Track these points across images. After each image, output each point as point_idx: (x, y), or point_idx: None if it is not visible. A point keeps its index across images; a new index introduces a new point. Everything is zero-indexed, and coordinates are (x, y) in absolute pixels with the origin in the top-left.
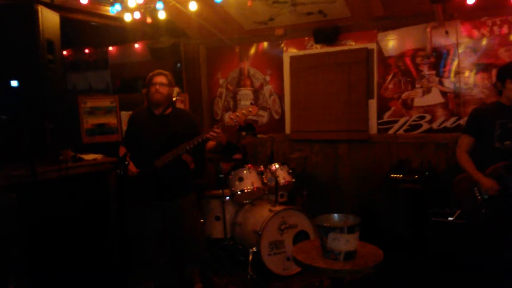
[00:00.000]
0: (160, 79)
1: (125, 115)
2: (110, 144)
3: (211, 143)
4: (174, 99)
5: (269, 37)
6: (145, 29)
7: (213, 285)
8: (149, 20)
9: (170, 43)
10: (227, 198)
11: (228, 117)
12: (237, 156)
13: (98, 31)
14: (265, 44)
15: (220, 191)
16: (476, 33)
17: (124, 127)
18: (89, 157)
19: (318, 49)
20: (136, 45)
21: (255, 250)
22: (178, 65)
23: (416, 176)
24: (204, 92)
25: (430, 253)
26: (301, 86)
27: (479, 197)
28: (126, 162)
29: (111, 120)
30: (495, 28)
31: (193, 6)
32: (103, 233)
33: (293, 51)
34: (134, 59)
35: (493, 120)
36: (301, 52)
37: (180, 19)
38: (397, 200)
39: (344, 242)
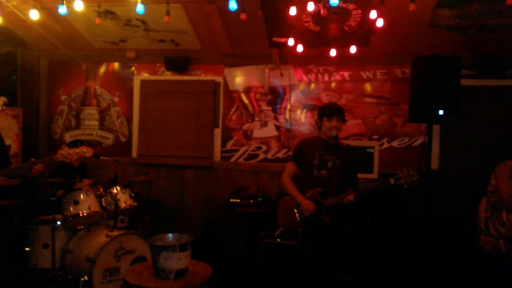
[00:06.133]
0: None
1: None
2: None
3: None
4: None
5: (120, 58)
6: None
7: None
8: None
9: (4, 51)
10: (59, 223)
11: (59, 152)
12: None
13: None
14: (116, 65)
15: (51, 216)
16: (305, 77)
17: None
18: None
19: (169, 76)
20: None
21: (86, 279)
22: (13, 77)
23: (251, 201)
24: (42, 108)
25: (261, 272)
26: (150, 111)
27: (297, 217)
28: None
29: None
30: (319, 75)
31: (34, 15)
32: None
33: (144, 75)
34: None
35: (313, 152)
36: (153, 77)
37: (18, 27)
38: (235, 223)
39: (176, 261)
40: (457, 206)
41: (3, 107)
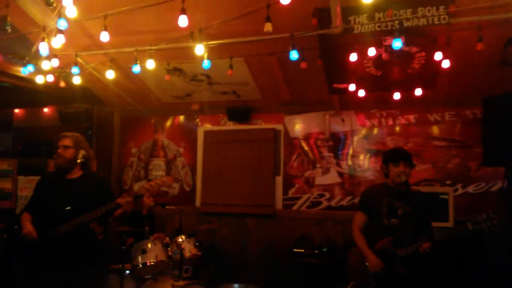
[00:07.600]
0: (64, 141)
1: (23, 180)
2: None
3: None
4: (78, 161)
5: (186, 111)
6: (57, 93)
7: None
8: (62, 84)
9: (82, 109)
10: (127, 272)
11: (141, 186)
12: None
13: (4, 91)
14: (181, 117)
15: (121, 265)
16: (367, 122)
17: (21, 193)
18: None
19: (231, 126)
20: (45, 109)
21: None
22: (89, 132)
23: (316, 251)
24: (115, 161)
25: None
26: (213, 160)
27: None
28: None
29: (5, 184)
30: (383, 120)
31: (110, 75)
32: None
33: (207, 126)
34: (41, 123)
35: (381, 199)
36: (215, 128)
37: (96, 86)
38: (298, 274)
39: None
40: None
41: (82, 159)
